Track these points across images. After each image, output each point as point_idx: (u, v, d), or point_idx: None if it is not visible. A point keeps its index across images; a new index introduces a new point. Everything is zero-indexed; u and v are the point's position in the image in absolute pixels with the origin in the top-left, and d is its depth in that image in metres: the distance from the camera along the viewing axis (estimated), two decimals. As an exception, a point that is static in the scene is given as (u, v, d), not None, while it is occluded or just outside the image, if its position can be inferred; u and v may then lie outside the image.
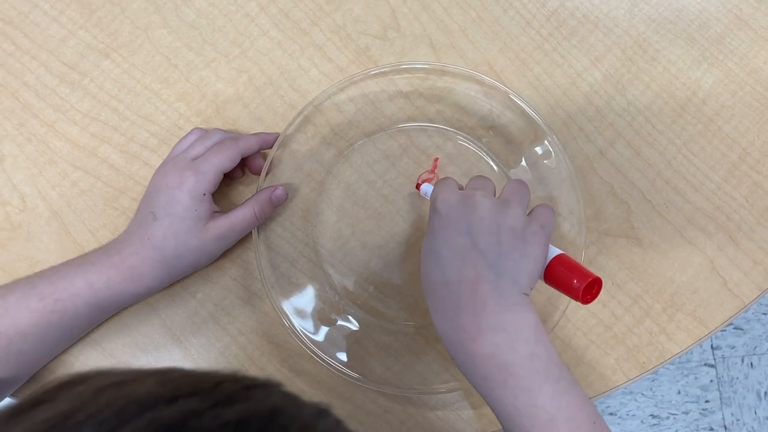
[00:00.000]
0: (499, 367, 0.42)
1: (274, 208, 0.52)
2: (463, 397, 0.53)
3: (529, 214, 0.46)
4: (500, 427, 0.53)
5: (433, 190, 0.47)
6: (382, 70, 0.55)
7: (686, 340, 0.55)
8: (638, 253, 0.56)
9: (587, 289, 0.43)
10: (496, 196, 0.47)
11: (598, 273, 0.54)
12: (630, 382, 0.55)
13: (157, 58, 0.55)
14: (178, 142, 0.51)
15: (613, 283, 0.55)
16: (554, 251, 0.46)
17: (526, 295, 0.44)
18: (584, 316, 0.55)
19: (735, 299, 0.56)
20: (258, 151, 0.52)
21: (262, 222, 0.51)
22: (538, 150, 0.55)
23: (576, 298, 0.44)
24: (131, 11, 0.56)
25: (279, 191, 0.51)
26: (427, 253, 0.44)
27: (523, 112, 0.54)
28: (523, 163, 0.55)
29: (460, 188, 0.47)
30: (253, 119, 0.55)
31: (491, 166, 0.56)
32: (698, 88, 0.58)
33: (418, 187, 0.53)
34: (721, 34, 0.59)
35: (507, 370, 0.42)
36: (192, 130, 0.52)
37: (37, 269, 0.52)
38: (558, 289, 0.45)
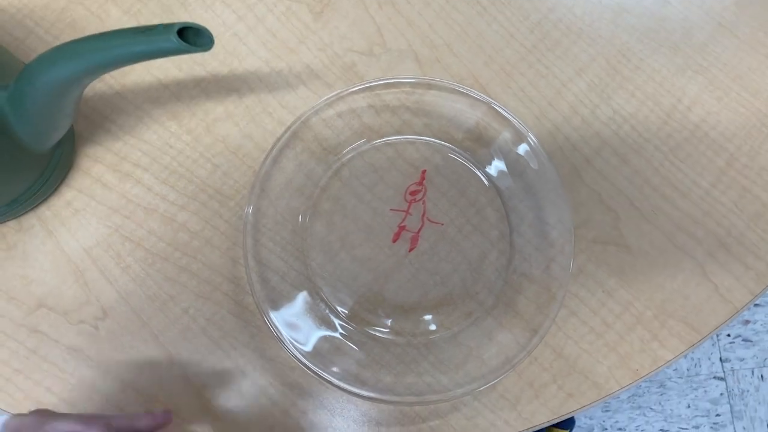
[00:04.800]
0: None
1: None
2: (456, 407, 0.53)
3: None
4: (493, 437, 0.53)
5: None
6: (369, 85, 0.55)
7: (679, 346, 0.55)
8: (628, 260, 0.56)
9: None
10: None
11: (588, 281, 0.55)
12: (623, 389, 0.54)
13: (147, 79, 0.57)
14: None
15: (603, 291, 0.55)
16: None
17: None
18: (575, 324, 0.55)
19: (727, 305, 0.56)
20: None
21: None
22: (525, 159, 0.55)
23: None
24: (123, 34, 0.57)
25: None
26: None
27: (508, 123, 0.55)
28: (508, 172, 0.56)
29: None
30: (243, 136, 0.56)
31: (479, 177, 0.56)
32: (683, 95, 0.59)
33: None
34: (705, 41, 0.60)
35: None
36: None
37: (33, 288, 0.53)
38: None
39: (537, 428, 0.54)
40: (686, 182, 0.58)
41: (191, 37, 0.39)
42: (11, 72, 0.44)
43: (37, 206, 0.54)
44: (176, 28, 0.38)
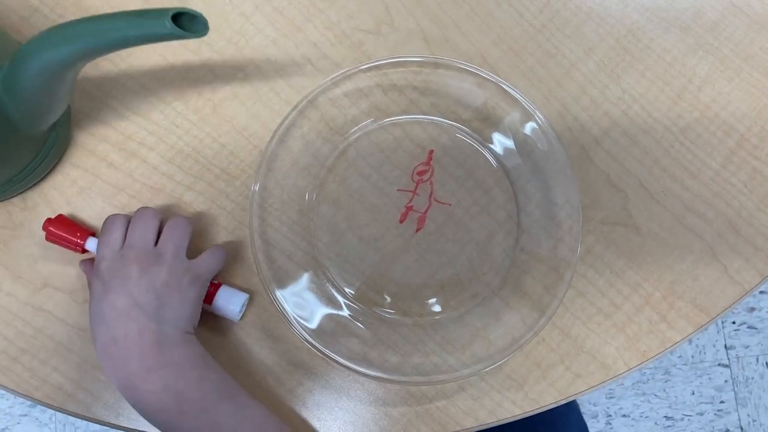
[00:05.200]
0: (173, 396, 0.46)
1: None
2: (463, 388, 0.53)
3: (197, 258, 0.51)
4: (499, 419, 0.53)
5: (98, 251, 0.49)
6: (376, 64, 0.55)
7: (687, 328, 0.55)
8: (637, 241, 0.56)
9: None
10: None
11: (596, 262, 0.54)
12: (631, 370, 0.54)
13: (153, 58, 0.56)
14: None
15: (611, 272, 0.55)
16: None
17: (190, 333, 0.49)
18: (583, 305, 0.55)
19: (736, 286, 0.55)
20: None
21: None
22: (533, 138, 0.55)
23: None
24: (128, 13, 0.57)
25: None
26: (94, 317, 0.47)
27: (517, 103, 0.54)
28: (517, 151, 0.55)
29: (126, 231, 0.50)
30: (250, 116, 0.56)
31: (486, 157, 0.56)
32: (694, 76, 0.58)
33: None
34: (716, 21, 0.59)
35: (181, 397, 0.46)
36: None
37: (38, 267, 0.53)
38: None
39: (544, 409, 0.54)
40: (696, 163, 0.57)
41: (186, 23, 0.38)
42: (7, 53, 0.44)
43: (40, 184, 0.54)
44: (171, 13, 0.37)
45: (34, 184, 0.54)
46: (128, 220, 0.50)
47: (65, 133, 0.53)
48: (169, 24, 0.37)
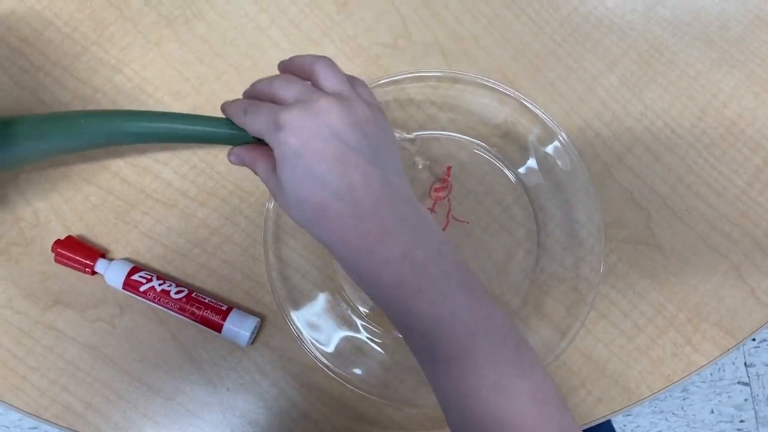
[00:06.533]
0: (412, 268, 0.37)
1: None
2: (481, 411, 0.52)
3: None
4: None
5: (256, 119, 0.39)
6: (394, 78, 0.54)
7: (713, 351, 0.53)
8: (660, 260, 0.54)
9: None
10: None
11: (618, 283, 0.53)
12: (655, 395, 0.52)
13: (168, 72, 0.56)
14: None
15: (634, 293, 0.54)
16: None
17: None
18: (605, 326, 0.53)
19: (764, 308, 0.54)
20: None
21: None
22: (553, 155, 0.53)
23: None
24: (143, 26, 0.56)
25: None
26: (297, 180, 0.37)
27: (537, 119, 0.53)
28: (538, 169, 0.54)
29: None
30: (264, 131, 0.55)
31: (505, 174, 0.55)
32: (719, 91, 0.57)
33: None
34: (741, 34, 0.58)
35: (420, 270, 0.36)
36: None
37: (50, 284, 0.52)
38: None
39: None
40: (721, 181, 0.55)
41: None
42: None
43: (52, 199, 0.53)
44: None
45: (47, 200, 0.53)
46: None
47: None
48: None
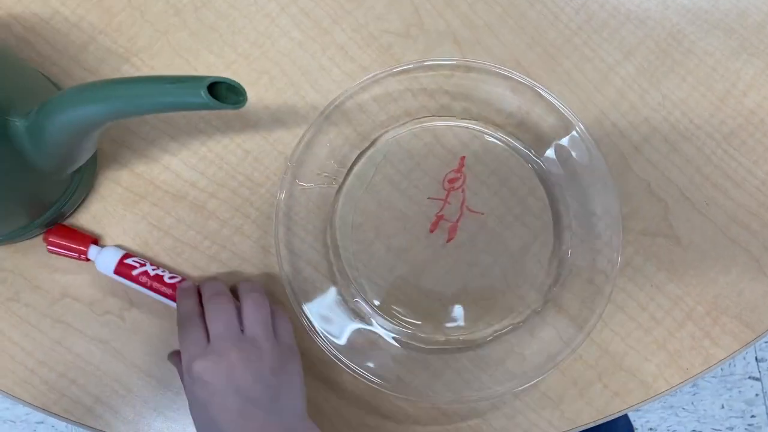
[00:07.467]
0: None
1: None
2: (496, 406, 0.51)
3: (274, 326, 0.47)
4: (535, 438, 0.51)
5: (184, 350, 0.45)
6: (406, 67, 0.53)
7: (732, 344, 0.52)
8: (678, 252, 0.53)
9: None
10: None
11: (636, 275, 0.52)
12: (673, 389, 0.52)
13: (177, 61, 0.55)
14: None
15: (652, 285, 0.53)
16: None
17: (309, 419, 0.45)
18: (622, 319, 0.52)
19: (784, 301, 0.53)
20: None
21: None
22: (569, 146, 0.52)
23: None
24: (151, 15, 0.55)
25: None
26: (202, 422, 0.44)
27: (553, 108, 0.52)
28: (555, 159, 0.53)
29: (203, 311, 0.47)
30: (274, 121, 0.54)
31: (521, 164, 0.54)
32: (738, 80, 0.56)
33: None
34: (762, 22, 0.56)
35: None
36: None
37: (57, 276, 0.51)
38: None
39: (582, 428, 0.51)
40: (740, 171, 0.54)
41: (223, 91, 0.37)
42: (38, 94, 0.42)
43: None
44: (207, 83, 0.35)
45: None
46: (200, 305, 0.47)
47: (90, 174, 0.52)
48: (204, 94, 0.35)
